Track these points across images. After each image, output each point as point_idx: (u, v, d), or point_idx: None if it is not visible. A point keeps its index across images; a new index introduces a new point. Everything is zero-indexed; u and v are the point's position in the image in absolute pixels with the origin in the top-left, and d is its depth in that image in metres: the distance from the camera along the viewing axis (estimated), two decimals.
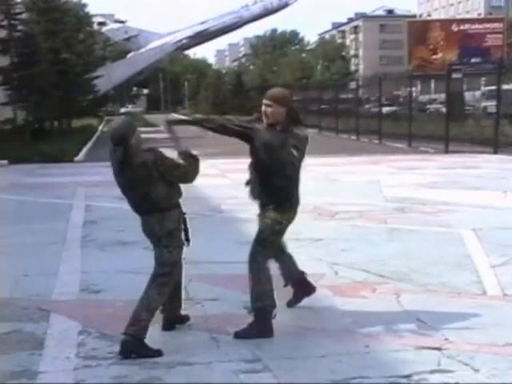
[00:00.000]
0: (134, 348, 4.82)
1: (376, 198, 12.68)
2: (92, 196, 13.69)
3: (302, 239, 8.62)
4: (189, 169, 5.06)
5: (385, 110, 31.47)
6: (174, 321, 5.38)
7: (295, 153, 5.02)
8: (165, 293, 5.04)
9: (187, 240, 5.15)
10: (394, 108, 31.34)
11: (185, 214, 5.13)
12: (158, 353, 4.85)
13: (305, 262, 7.59)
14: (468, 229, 9.45)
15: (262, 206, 5.31)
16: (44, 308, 6.05)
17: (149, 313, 4.93)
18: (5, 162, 21.77)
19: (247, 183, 5.39)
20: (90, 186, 15.23)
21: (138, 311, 4.94)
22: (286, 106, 5.20)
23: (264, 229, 5.26)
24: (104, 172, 18.39)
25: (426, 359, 4.71)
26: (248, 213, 10.65)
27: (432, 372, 4.51)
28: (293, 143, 5.04)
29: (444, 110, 27.89)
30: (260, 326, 5.15)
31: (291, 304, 5.83)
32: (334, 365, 4.65)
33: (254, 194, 5.33)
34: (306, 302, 6.01)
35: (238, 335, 5.13)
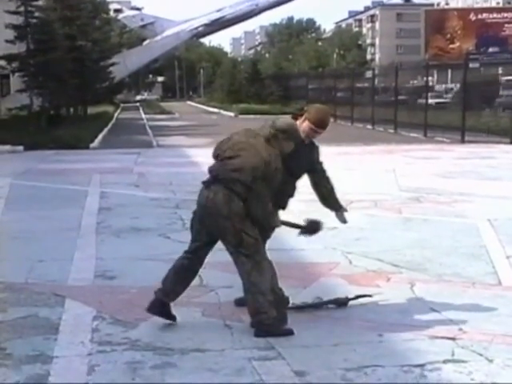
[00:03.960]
0: (268, 333, 4.90)
1: (391, 188, 12.64)
2: (107, 183, 13.74)
3: None
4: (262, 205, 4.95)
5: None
6: (163, 308, 5.17)
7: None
8: (264, 269, 4.97)
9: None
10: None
11: None
12: (290, 331, 4.96)
13: (319, 250, 7.62)
14: (483, 219, 9.41)
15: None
16: (59, 293, 6.09)
17: (264, 295, 4.92)
18: (20, 148, 21.86)
19: None
20: (105, 173, 15.28)
21: (253, 300, 4.96)
22: None
23: None
24: (119, 159, 18.56)
25: (440, 349, 4.71)
26: None
27: (445, 362, 4.50)
28: None
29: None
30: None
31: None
32: (347, 353, 4.65)
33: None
34: (319, 290, 6.01)
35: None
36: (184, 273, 5.22)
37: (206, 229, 5.10)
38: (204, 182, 5.11)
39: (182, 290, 5.25)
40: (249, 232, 4.96)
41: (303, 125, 5.30)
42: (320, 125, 5.31)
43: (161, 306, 5.20)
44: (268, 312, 4.95)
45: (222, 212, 4.93)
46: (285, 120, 5.28)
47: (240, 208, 4.93)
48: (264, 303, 4.94)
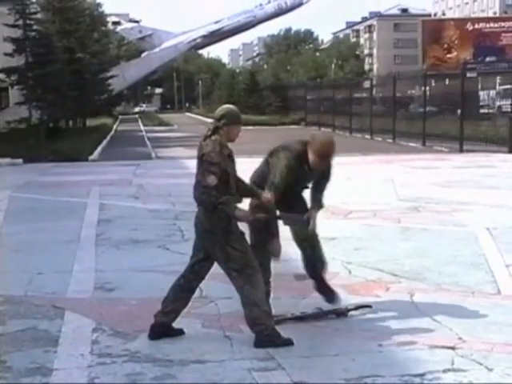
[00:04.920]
0: (267, 343, 4.90)
1: (390, 197, 12.64)
2: (106, 195, 13.74)
3: None
4: (200, 196, 4.96)
5: None
6: (164, 330, 5.17)
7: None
8: (256, 282, 4.98)
9: None
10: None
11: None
12: (289, 341, 4.95)
13: None
14: (482, 228, 9.42)
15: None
16: (59, 306, 6.09)
17: (259, 307, 4.93)
18: (20, 160, 21.87)
19: None
20: (104, 185, 15.29)
21: (249, 313, 4.97)
22: None
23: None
24: (118, 171, 18.56)
25: (440, 358, 4.71)
26: None
27: (445, 371, 4.50)
28: None
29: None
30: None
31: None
32: (347, 363, 4.65)
33: None
34: (319, 300, 6.01)
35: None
36: (181, 292, 5.21)
37: (202, 244, 5.14)
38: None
39: (181, 307, 5.24)
40: (235, 245, 4.97)
41: (309, 156, 5.50)
42: (324, 156, 5.48)
43: (162, 329, 5.16)
44: (266, 323, 4.95)
45: (205, 226, 4.99)
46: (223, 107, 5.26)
47: (221, 220, 4.94)
48: (260, 314, 4.95)
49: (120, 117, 71.04)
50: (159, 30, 75.45)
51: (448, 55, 61.53)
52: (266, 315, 4.98)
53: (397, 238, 9.06)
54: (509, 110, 24.54)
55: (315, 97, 45.54)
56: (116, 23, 79.44)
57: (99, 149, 26.81)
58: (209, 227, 4.97)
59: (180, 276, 5.26)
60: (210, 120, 59.08)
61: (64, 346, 5.06)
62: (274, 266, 6.73)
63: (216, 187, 4.88)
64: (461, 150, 23.78)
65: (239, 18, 72.93)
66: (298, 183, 5.62)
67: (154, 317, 5.19)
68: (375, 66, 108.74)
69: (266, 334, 4.94)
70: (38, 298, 6.38)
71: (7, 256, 8.33)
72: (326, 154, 5.47)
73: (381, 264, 7.43)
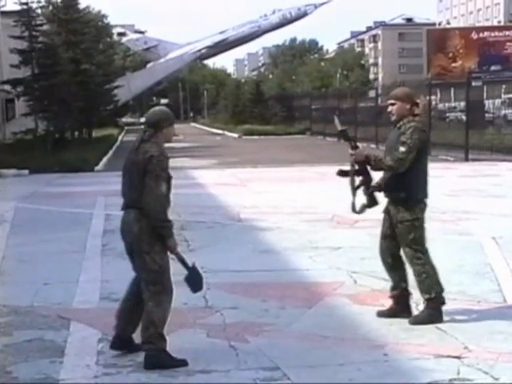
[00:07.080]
0: (156, 365, 4.75)
1: None
2: (112, 205, 13.70)
3: (320, 247, 8.61)
4: (153, 206, 4.96)
5: None
6: (125, 342, 5.08)
7: (402, 149, 5.75)
8: (162, 301, 4.83)
9: None
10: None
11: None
12: (182, 362, 4.80)
13: (324, 270, 7.63)
14: (488, 237, 9.40)
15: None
16: (64, 316, 6.10)
17: (155, 327, 4.78)
18: (25, 171, 21.93)
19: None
20: (110, 196, 15.26)
21: (144, 330, 4.84)
22: (409, 102, 5.81)
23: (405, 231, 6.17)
24: None
25: (446, 368, 4.69)
26: (267, 222, 10.65)
27: (451, 380, 4.49)
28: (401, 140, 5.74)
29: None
30: (434, 313, 5.64)
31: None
32: (352, 373, 4.65)
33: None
34: (324, 310, 6.00)
35: (413, 322, 5.61)
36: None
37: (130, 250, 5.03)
38: (122, 208, 5.09)
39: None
40: (155, 257, 4.87)
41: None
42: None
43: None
44: (157, 344, 4.79)
45: (133, 229, 4.90)
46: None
47: (149, 227, 4.89)
48: (153, 335, 4.79)
49: (126, 127, 71.20)
50: (164, 40, 75.69)
51: (453, 64, 61.60)
52: (159, 337, 4.80)
53: None
54: None
55: (320, 106, 45.60)
56: (121, 34, 79.68)
57: (105, 159, 26.85)
58: (137, 230, 4.88)
59: (127, 297, 5.16)
60: (214, 130, 58.89)
61: (70, 357, 5.07)
62: (279, 276, 6.76)
63: (167, 196, 4.90)
64: (466, 159, 23.74)
65: (244, 28, 73.12)
66: None
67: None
68: (380, 76, 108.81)
69: (154, 355, 4.77)
70: (44, 308, 6.39)
71: (13, 267, 8.35)
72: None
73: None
